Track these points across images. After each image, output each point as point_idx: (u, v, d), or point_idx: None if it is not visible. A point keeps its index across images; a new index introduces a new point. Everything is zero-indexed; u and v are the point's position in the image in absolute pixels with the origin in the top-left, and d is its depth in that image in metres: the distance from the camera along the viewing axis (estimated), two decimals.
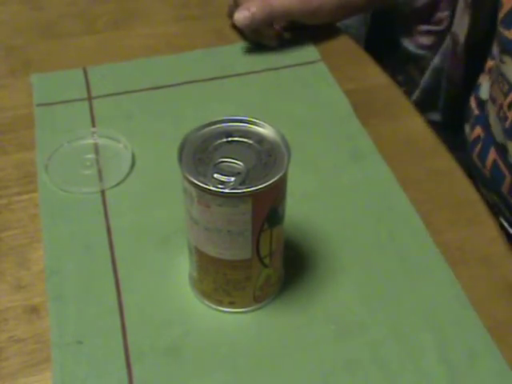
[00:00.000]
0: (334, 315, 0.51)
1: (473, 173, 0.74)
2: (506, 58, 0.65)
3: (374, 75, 0.76)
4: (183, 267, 0.53)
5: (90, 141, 0.65)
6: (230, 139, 0.46)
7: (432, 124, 0.69)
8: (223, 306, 0.51)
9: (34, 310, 0.51)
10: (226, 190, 0.42)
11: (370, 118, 0.69)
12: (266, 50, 0.78)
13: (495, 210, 0.71)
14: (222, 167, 0.44)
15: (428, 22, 0.92)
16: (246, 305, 0.51)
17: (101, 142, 0.65)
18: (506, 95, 0.65)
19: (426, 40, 0.93)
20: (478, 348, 0.49)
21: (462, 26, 0.74)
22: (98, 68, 0.75)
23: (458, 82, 0.78)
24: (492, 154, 0.69)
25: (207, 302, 0.51)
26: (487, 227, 0.58)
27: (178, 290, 0.53)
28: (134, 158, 0.64)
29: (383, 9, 0.94)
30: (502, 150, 0.68)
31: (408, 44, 0.95)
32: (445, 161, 0.65)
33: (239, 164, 0.44)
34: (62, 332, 0.49)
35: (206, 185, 0.42)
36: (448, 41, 0.78)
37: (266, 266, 0.49)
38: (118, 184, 0.61)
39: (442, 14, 0.90)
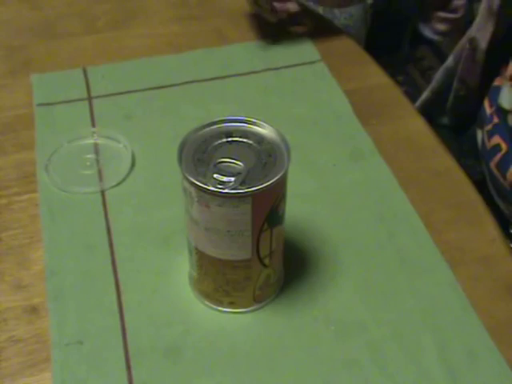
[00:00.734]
0: (333, 315, 0.51)
1: (488, 180, 0.73)
2: None
3: (374, 75, 0.76)
4: (183, 267, 0.53)
5: (90, 141, 0.65)
6: (229, 139, 0.46)
7: (439, 128, 0.68)
8: (223, 306, 0.51)
9: (33, 310, 0.51)
10: (226, 190, 0.42)
11: (370, 118, 0.69)
12: (266, 49, 0.78)
13: None
14: (222, 167, 0.44)
15: (445, 9, 0.93)
16: (246, 305, 0.51)
17: (101, 141, 0.65)
18: None
19: (442, 26, 0.95)
20: (478, 348, 0.49)
21: (484, 32, 0.73)
22: (98, 68, 0.75)
23: (473, 86, 0.78)
24: None
25: (207, 302, 0.51)
26: (487, 227, 0.58)
27: (178, 290, 0.53)
28: (134, 157, 0.64)
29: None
30: None
31: (424, 29, 0.96)
32: (445, 161, 0.65)
33: (239, 164, 0.44)
34: (62, 332, 0.49)
35: (206, 185, 0.42)
36: (464, 43, 0.78)
37: (265, 266, 0.49)
38: (118, 184, 0.61)
39: (459, 2, 0.91)
